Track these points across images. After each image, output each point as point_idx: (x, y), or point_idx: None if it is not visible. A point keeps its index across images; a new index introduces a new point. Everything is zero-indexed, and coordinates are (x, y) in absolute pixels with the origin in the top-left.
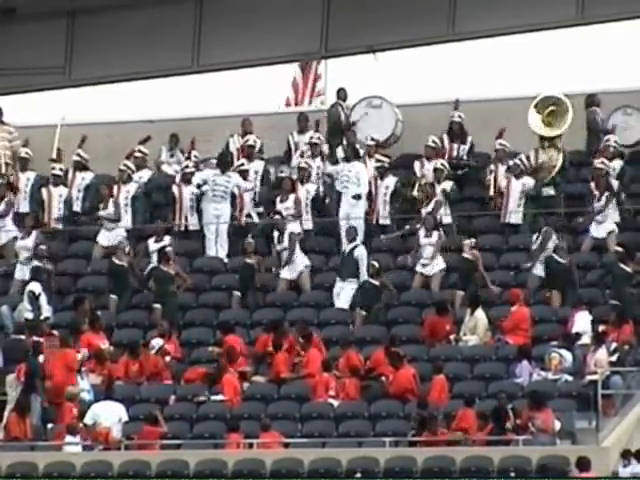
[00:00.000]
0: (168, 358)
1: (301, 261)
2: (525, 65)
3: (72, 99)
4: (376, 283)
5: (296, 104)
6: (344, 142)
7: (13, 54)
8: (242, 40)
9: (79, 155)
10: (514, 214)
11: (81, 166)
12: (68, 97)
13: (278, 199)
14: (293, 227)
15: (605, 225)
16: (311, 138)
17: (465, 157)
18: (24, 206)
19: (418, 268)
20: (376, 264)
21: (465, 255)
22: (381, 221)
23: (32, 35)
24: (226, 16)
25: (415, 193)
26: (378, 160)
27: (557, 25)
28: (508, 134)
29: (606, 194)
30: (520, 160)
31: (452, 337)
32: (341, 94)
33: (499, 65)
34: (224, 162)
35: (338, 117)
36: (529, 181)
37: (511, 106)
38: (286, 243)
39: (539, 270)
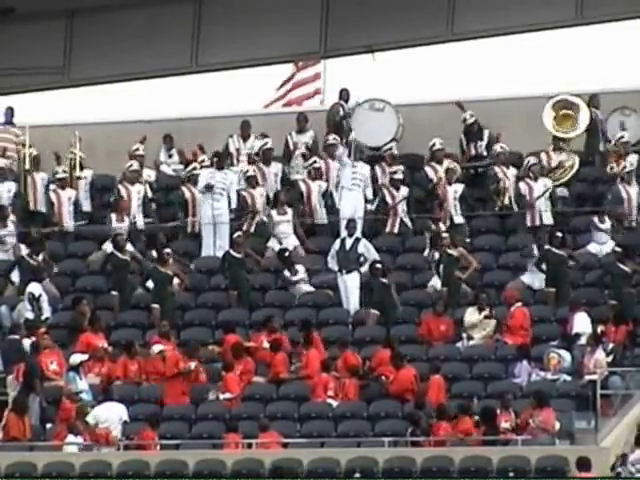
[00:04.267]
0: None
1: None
2: (525, 65)
3: (72, 99)
4: (385, 281)
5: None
6: (343, 142)
7: (12, 54)
8: (241, 40)
9: (73, 154)
10: (544, 214)
11: (80, 166)
12: (68, 97)
13: (274, 212)
14: (291, 241)
15: (608, 245)
16: (326, 140)
17: (485, 153)
18: (40, 206)
19: None
20: (379, 265)
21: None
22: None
23: (31, 35)
24: (225, 16)
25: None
26: (395, 172)
27: (556, 25)
28: (508, 134)
29: (611, 222)
30: (532, 162)
31: (464, 335)
32: (343, 95)
33: (499, 65)
34: (220, 160)
35: (339, 118)
36: (548, 182)
37: (511, 106)
38: (301, 274)
39: (526, 277)
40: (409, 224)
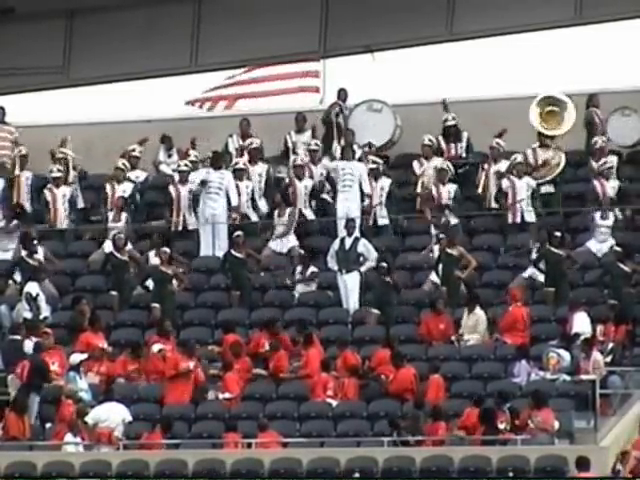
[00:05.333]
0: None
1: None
2: (524, 65)
3: (71, 99)
4: (387, 280)
5: None
6: (341, 142)
7: (11, 54)
8: (240, 40)
9: (63, 153)
10: (527, 213)
11: (69, 163)
12: (67, 97)
13: (276, 213)
14: (290, 240)
15: (607, 243)
16: (309, 145)
17: (464, 154)
18: (27, 206)
19: None
20: (384, 264)
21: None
22: (380, 221)
23: (31, 35)
24: (225, 16)
25: (419, 190)
26: (373, 162)
27: (555, 25)
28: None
29: (612, 217)
30: (518, 160)
31: (453, 337)
32: (341, 94)
33: (498, 65)
34: (217, 159)
35: (337, 117)
36: (531, 180)
37: (510, 106)
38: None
39: (527, 272)
40: (383, 221)
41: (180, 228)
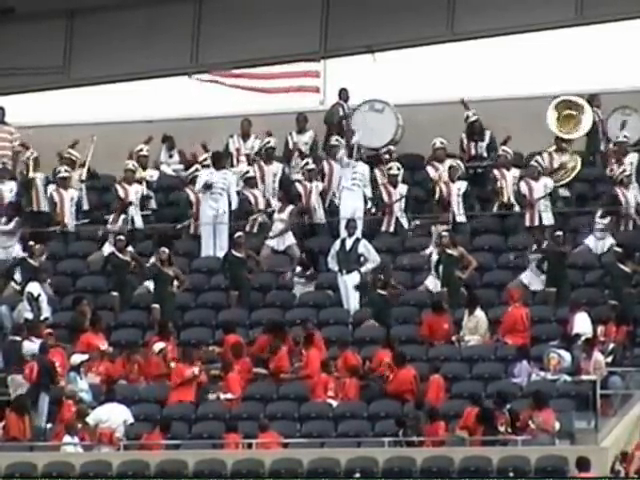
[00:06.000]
0: (173, 364)
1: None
2: (525, 65)
3: (72, 99)
4: (384, 293)
5: None
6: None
7: (12, 54)
8: (241, 40)
9: (70, 154)
10: (544, 214)
11: (75, 165)
12: (67, 97)
13: (277, 210)
14: (288, 239)
15: (606, 241)
16: (329, 142)
17: (485, 154)
18: (43, 206)
19: None
20: (382, 276)
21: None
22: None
23: (31, 35)
24: (225, 16)
25: (437, 196)
26: (390, 168)
27: (556, 25)
28: (507, 134)
29: (611, 217)
30: (536, 162)
31: (454, 338)
32: (343, 95)
33: (499, 65)
34: (219, 160)
35: (339, 118)
36: (549, 181)
37: (511, 106)
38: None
39: (525, 277)
40: (405, 224)
41: (198, 230)
